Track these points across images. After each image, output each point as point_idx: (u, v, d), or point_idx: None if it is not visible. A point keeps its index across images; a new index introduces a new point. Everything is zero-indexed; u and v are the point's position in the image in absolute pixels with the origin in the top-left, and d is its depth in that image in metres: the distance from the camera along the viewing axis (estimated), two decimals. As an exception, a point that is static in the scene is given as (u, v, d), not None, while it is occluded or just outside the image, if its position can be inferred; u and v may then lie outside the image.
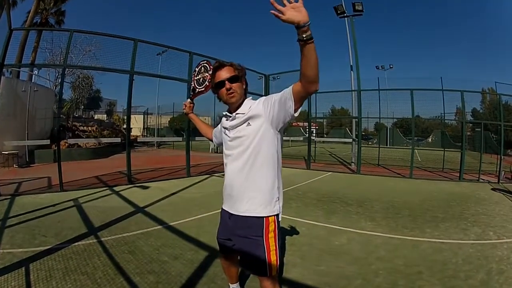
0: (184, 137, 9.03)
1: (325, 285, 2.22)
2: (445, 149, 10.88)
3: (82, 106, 19.03)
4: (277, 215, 1.39)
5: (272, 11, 1.03)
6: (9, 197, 4.72)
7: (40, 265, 2.38)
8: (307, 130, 11.30)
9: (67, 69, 10.17)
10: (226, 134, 1.47)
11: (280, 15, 1.03)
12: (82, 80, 16.16)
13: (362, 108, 8.83)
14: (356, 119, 9.44)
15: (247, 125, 1.35)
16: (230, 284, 1.79)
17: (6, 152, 8.29)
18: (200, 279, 2.24)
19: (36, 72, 13.03)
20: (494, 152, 11.26)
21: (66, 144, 10.35)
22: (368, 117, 11.64)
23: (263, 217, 1.35)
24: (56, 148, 6.89)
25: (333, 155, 13.95)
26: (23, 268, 2.30)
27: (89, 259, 2.52)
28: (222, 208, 1.53)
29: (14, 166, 8.42)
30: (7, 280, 2.11)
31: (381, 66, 25.59)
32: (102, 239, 3.00)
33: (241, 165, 1.36)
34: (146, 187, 5.89)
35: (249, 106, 1.39)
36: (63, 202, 4.45)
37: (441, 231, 3.52)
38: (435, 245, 3.05)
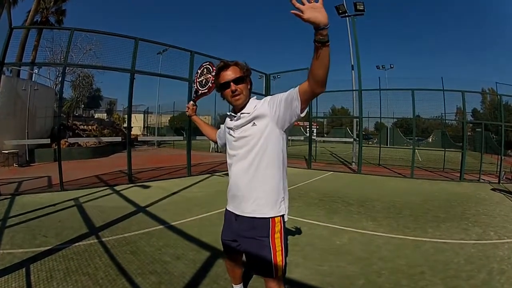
0: (185, 136, 9.02)
1: (328, 285, 2.21)
2: (446, 149, 10.87)
3: (83, 105, 19.06)
4: (283, 215, 1.38)
5: (293, 11, 1.01)
6: (9, 196, 4.70)
7: (41, 265, 2.36)
8: (308, 129, 11.29)
9: (67, 68, 10.13)
10: (230, 134, 1.44)
11: (300, 14, 1.00)
12: (83, 79, 16.14)
13: (363, 107, 8.82)
14: (357, 119, 9.43)
15: (253, 125, 1.33)
16: (234, 285, 1.78)
17: (6, 151, 8.27)
18: (203, 279, 2.23)
19: (36, 71, 13.05)
20: (495, 153, 11.28)
21: (66, 143, 10.32)
22: (368, 117, 11.66)
23: (269, 218, 1.33)
24: (56, 147, 6.87)
25: (333, 155, 13.95)
26: (24, 269, 2.28)
27: (91, 259, 2.50)
28: (226, 209, 1.51)
29: (14, 165, 8.40)
30: (8, 281, 2.09)
31: (382, 65, 25.46)
32: (103, 239, 2.99)
33: (247, 165, 1.34)
34: (147, 187, 5.88)
35: (254, 105, 1.37)
36: (64, 202, 4.43)
37: (442, 231, 3.51)
38: (437, 245, 3.05)
